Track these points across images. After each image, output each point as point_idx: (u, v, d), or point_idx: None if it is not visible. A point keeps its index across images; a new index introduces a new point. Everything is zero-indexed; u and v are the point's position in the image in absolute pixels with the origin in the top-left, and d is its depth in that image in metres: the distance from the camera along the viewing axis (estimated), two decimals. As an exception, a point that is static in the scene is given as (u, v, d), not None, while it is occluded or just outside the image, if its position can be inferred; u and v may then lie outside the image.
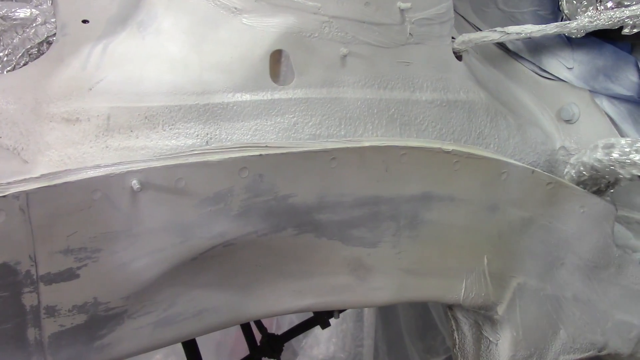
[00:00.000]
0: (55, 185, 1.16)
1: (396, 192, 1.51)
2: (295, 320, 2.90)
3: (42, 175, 1.16)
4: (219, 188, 1.31)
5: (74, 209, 1.19)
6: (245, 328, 2.55)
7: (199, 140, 1.33)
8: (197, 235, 1.33)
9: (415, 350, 3.77)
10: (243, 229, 1.37)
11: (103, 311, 1.30)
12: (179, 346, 2.31)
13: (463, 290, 1.73)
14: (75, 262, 1.23)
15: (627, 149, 1.55)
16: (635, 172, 1.53)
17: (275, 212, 1.39)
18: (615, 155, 1.56)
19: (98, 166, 1.21)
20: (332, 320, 3.04)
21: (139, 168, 1.23)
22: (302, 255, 1.51)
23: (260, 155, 1.31)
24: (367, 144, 1.42)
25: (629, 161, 1.53)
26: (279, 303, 1.54)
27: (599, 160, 1.58)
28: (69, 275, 1.23)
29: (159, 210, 1.27)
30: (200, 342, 2.28)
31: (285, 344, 2.86)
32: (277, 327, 3.50)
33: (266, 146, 1.32)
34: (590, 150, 1.63)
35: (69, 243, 1.21)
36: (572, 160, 1.65)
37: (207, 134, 1.34)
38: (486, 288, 1.75)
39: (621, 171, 1.55)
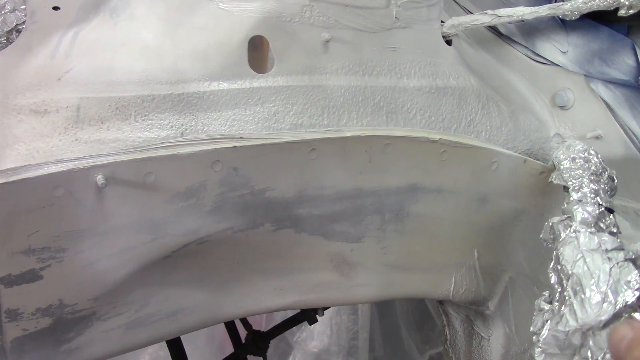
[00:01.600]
0: (13, 182, 1.10)
1: (380, 184, 1.46)
2: (290, 314, 2.87)
3: (0, 172, 1.11)
4: (190, 182, 1.25)
5: (34, 206, 1.13)
6: (230, 325, 2.52)
7: (173, 131, 1.27)
8: (168, 233, 1.28)
9: (412, 341, 3.77)
10: (218, 225, 1.32)
11: (70, 313, 1.25)
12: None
13: (453, 286, 1.70)
14: (38, 263, 1.17)
15: (565, 154, 1.51)
16: (553, 178, 1.50)
17: (251, 207, 1.34)
18: (561, 156, 1.52)
19: (60, 161, 1.15)
20: (326, 314, 3.02)
21: (104, 162, 1.17)
22: (282, 252, 1.47)
23: (235, 147, 1.25)
24: (348, 134, 1.37)
25: (560, 167, 1.50)
26: (258, 301, 1.51)
27: (556, 158, 1.55)
28: (31, 276, 1.18)
29: (127, 206, 1.22)
30: (189, 338, 2.24)
31: (280, 338, 2.84)
32: (266, 323, 3.49)
33: (241, 137, 1.27)
34: (561, 144, 1.60)
35: (31, 243, 1.15)
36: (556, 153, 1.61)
37: (182, 125, 1.28)
38: (477, 282, 1.73)
39: (552, 174, 1.52)
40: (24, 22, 1.32)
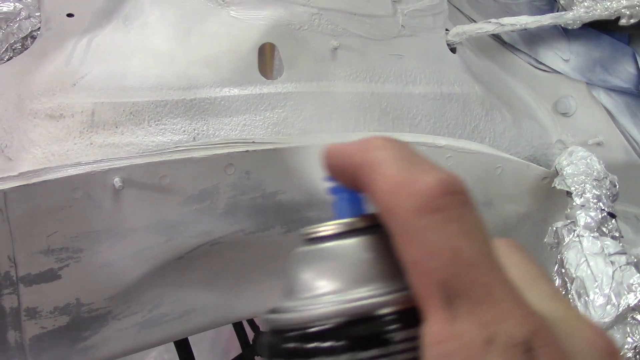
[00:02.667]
0: (34, 184, 1.12)
1: (387, 188, 1.47)
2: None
3: (21, 174, 1.13)
4: (204, 185, 1.27)
5: (54, 208, 1.15)
6: (238, 327, 2.52)
7: (185, 136, 1.30)
8: (182, 234, 1.30)
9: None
10: (230, 227, 1.34)
11: (86, 312, 1.27)
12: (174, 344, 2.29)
13: (457, 288, 1.71)
14: (57, 263, 1.19)
15: (567, 160, 1.53)
16: (556, 183, 1.50)
17: (263, 210, 1.36)
18: (564, 162, 1.54)
19: (79, 164, 1.17)
20: (329, 316, 3.02)
21: (121, 165, 1.19)
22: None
23: (247, 151, 1.27)
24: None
25: (563, 172, 1.51)
26: (268, 302, 1.50)
27: (559, 164, 1.56)
28: (50, 276, 1.20)
29: (143, 208, 1.24)
30: (194, 340, 2.26)
31: (283, 341, 2.82)
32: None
33: (253, 142, 1.29)
34: (563, 150, 1.62)
35: (50, 243, 1.18)
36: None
37: (194, 130, 1.31)
38: (480, 285, 1.73)
39: (555, 179, 1.52)
40: (38, 29, 1.35)
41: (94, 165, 1.18)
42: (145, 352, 2.70)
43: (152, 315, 1.37)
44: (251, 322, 2.59)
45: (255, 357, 2.52)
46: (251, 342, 2.53)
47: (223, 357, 3.15)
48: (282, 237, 1.43)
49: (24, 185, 1.12)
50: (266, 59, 1.44)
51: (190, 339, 2.25)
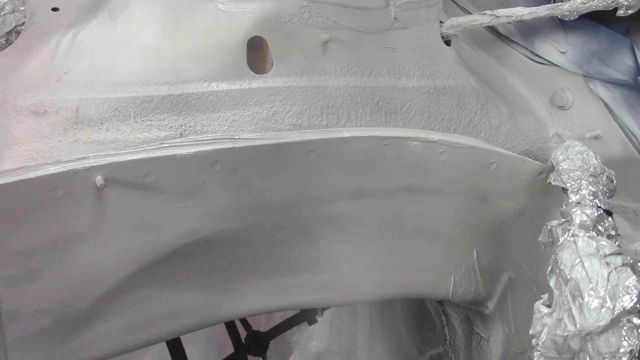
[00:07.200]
0: (12, 183, 1.10)
1: (379, 184, 1.46)
2: (289, 315, 2.86)
3: (0, 172, 1.11)
4: (190, 183, 1.25)
5: (34, 207, 1.13)
6: (230, 326, 2.51)
7: (172, 132, 1.28)
8: (167, 233, 1.28)
9: (412, 341, 3.74)
10: (217, 226, 1.32)
11: (69, 314, 1.25)
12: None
13: (452, 286, 1.69)
14: (37, 264, 1.17)
15: (564, 155, 1.50)
16: (552, 179, 1.48)
17: (251, 208, 1.34)
18: (560, 157, 1.51)
19: (59, 162, 1.15)
20: (325, 314, 3.01)
21: (103, 163, 1.17)
22: (282, 252, 1.47)
23: (233, 147, 1.25)
24: (347, 134, 1.37)
25: (559, 168, 1.48)
26: (258, 302, 1.50)
27: (555, 158, 1.53)
28: (30, 277, 1.17)
29: (127, 207, 1.22)
30: (189, 339, 2.24)
31: (279, 338, 2.83)
32: (266, 323, 3.48)
33: (240, 138, 1.27)
34: (560, 145, 1.60)
35: (30, 243, 1.15)
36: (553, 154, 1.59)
37: (182, 126, 1.29)
38: (476, 283, 1.72)
39: (551, 175, 1.50)
40: (23, 23, 1.32)
41: (76, 163, 1.16)
42: (142, 351, 2.68)
43: (138, 316, 1.35)
44: (243, 321, 2.58)
45: (248, 356, 2.52)
46: (243, 341, 2.52)
47: (218, 355, 3.14)
48: (272, 235, 1.41)
49: (2, 184, 1.10)
50: (257, 53, 1.42)
51: (184, 337, 2.24)
